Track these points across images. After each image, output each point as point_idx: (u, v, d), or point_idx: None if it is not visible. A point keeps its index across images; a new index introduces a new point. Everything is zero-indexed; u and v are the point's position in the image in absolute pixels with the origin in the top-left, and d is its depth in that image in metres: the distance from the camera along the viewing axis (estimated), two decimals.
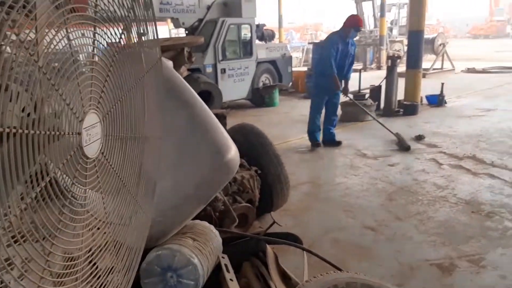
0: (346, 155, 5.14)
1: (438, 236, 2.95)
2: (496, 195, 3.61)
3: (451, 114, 7.10)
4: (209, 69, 8.21)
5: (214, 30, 8.23)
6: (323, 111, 5.53)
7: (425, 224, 3.16)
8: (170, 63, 3.51)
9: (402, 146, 5.15)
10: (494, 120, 6.41)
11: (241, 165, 2.92)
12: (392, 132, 5.49)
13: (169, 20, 9.43)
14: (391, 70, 7.27)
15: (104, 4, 0.89)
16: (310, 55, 14.74)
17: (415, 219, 3.26)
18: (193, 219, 1.82)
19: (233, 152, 1.58)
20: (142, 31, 1.13)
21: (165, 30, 22.61)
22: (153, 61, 1.19)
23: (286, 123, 7.35)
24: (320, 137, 5.57)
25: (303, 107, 8.80)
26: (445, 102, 7.79)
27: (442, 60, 13.17)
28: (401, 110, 7.24)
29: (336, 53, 5.13)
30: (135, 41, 1.08)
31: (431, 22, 41.85)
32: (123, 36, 1.01)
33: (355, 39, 5.72)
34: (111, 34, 0.94)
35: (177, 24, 8.65)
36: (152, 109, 1.07)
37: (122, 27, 1.01)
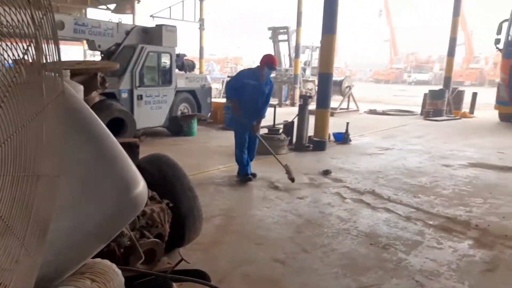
0: (260, 188, 5.27)
1: (341, 268, 3.12)
2: (391, 228, 3.96)
3: (354, 151, 7.73)
4: (124, 95, 7.97)
5: (133, 56, 8.08)
6: None
7: (329, 256, 3.33)
8: (80, 88, 3.34)
9: (289, 177, 5.28)
10: (391, 158, 7.11)
11: (152, 198, 2.83)
12: (281, 164, 5.57)
13: (84, 41, 9.03)
14: (302, 108, 7.75)
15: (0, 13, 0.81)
16: None
17: (321, 251, 3.42)
18: (96, 256, 1.71)
19: (140, 187, 1.54)
20: (45, 56, 1.07)
21: (80, 51, 21.52)
22: (56, 92, 1.13)
23: (204, 153, 7.34)
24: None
25: (221, 138, 8.91)
26: (350, 140, 8.46)
27: (348, 101, 14.41)
28: (311, 145, 7.69)
29: (244, 87, 5.24)
30: (37, 65, 1.02)
31: (340, 65, 46.00)
32: (25, 57, 0.94)
33: (272, 75, 5.97)
34: (8, 48, 0.84)
35: (92, 47, 8.32)
36: (50, 146, 1.01)
37: (25, 46, 0.93)
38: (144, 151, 3.44)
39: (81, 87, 3.63)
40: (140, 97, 8.22)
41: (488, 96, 16.08)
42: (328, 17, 7.61)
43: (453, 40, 14.57)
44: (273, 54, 19.27)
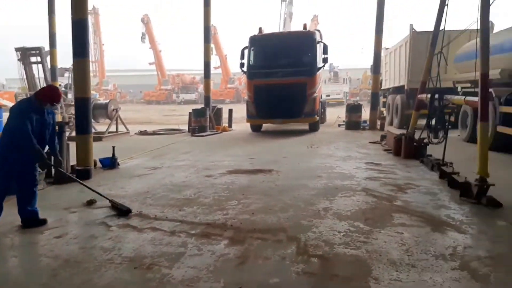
0: (7, 234, 4.43)
1: None
2: (156, 246, 3.98)
3: (123, 175, 7.54)
4: None
5: None
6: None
7: None
8: None
9: (122, 211, 4.99)
10: (159, 177, 7.26)
11: None
12: (105, 197, 5.14)
13: None
14: (59, 136, 7.02)
15: None
16: None
17: None
18: None
19: None
20: None
21: None
22: None
23: None
24: None
25: None
26: (118, 164, 8.22)
27: (117, 124, 14.07)
28: (75, 175, 7.05)
29: (31, 122, 4.42)
30: None
31: (109, 87, 44.60)
32: None
33: None
34: None
35: None
36: None
37: None
38: None
39: None
40: None
41: (244, 111, 18.66)
42: (78, 42, 7.25)
43: (207, 64, 16.34)
44: (25, 76, 17.00)
